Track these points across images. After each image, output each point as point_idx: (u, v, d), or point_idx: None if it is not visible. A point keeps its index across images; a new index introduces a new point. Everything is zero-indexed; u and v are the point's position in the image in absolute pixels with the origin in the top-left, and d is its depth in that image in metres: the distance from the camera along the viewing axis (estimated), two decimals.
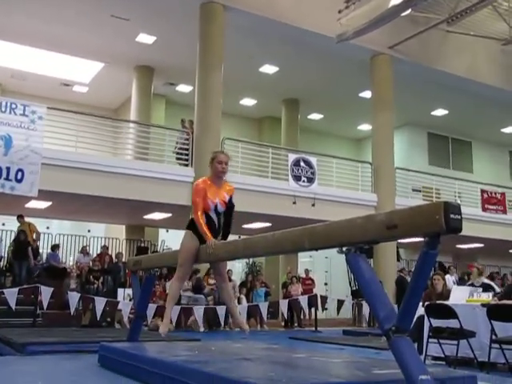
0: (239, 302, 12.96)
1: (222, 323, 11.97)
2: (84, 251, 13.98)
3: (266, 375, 3.07)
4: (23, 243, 12.61)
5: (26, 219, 13.26)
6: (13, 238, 13.53)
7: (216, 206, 4.54)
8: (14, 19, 13.45)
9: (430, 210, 2.62)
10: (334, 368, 3.58)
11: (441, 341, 6.32)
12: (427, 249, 2.69)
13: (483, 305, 6.24)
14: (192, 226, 4.57)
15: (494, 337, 5.83)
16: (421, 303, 7.07)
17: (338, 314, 13.87)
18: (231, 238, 4.69)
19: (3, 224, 15.64)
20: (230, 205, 4.66)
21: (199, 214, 4.47)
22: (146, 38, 14.52)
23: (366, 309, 13.92)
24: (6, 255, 13.64)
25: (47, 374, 4.54)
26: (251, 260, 18.30)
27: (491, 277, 14.56)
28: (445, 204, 2.56)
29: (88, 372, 4.60)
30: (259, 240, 3.80)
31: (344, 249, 3.08)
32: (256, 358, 3.86)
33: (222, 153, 4.83)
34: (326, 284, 19.35)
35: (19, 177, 10.65)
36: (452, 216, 2.55)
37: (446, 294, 7.26)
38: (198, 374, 3.17)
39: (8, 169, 10.54)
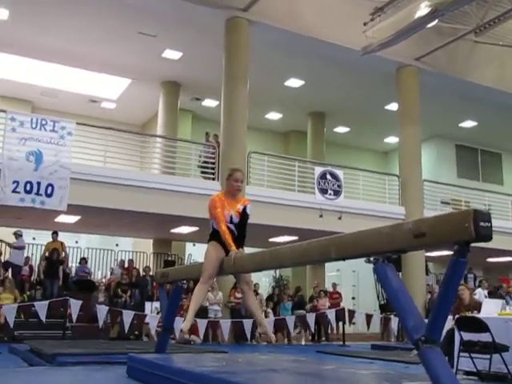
0: (266, 316, 12.91)
1: (249, 337, 11.93)
2: (120, 264, 14.14)
3: None
4: (56, 262, 12.72)
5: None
6: (42, 252, 13.68)
7: (231, 218, 4.61)
8: (43, 38, 13.76)
9: (459, 218, 2.57)
10: (362, 379, 3.52)
11: (472, 355, 6.17)
12: (457, 257, 2.64)
13: None
14: (214, 237, 4.61)
15: None
16: (450, 316, 6.96)
17: (368, 328, 13.69)
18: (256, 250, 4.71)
19: (34, 238, 15.90)
20: (245, 215, 4.69)
21: (223, 224, 4.51)
22: (172, 54, 14.71)
23: (394, 323, 13.75)
24: (36, 269, 13.81)
25: None
26: (278, 274, 18.25)
27: None
28: (474, 212, 2.51)
29: (117, 382, 4.63)
30: (286, 250, 3.79)
31: (371, 258, 3.05)
32: (283, 370, 3.83)
33: (239, 171, 4.85)
34: (353, 298, 19.17)
35: (49, 191, 10.84)
36: (482, 224, 2.50)
37: (473, 304, 7.13)
38: None
39: (38, 184, 10.74)
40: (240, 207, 4.70)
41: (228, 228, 4.57)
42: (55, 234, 13.24)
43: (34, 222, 13.56)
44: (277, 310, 13.62)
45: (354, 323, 14.32)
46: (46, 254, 12.98)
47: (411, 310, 2.83)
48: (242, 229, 4.67)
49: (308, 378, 3.55)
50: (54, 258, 12.63)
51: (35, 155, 10.90)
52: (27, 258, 13.56)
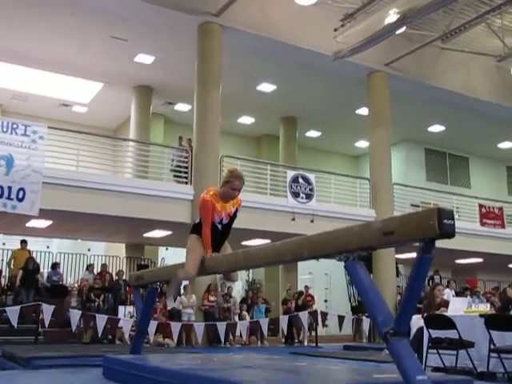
0: (243, 319, 13.01)
1: (223, 339, 12.00)
2: (90, 269, 14.04)
3: (267, 379, 3.15)
4: (32, 271, 12.49)
5: (27, 238, 13.32)
6: (8, 259, 13.51)
7: (221, 220, 4.55)
8: (13, 41, 13.66)
9: (424, 216, 2.71)
10: (335, 374, 3.66)
11: (440, 351, 6.38)
12: (422, 253, 2.78)
13: (481, 315, 6.31)
14: (196, 231, 4.57)
15: (492, 346, 5.89)
16: (420, 315, 7.16)
17: (340, 329, 13.87)
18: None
19: (3, 244, 15.72)
20: (233, 216, 4.67)
21: (208, 228, 4.44)
22: (144, 58, 14.72)
23: (365, 324, 13.97)
24: (7, 274, 13.65)
25: None
26: (251, 277, 18.35)
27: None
28: (438, 210, 2.65)
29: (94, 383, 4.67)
30: (259, 251, 3.89)
31: (342, 256, 3.17)
32: (258, 366, 3.94)
33: (240, 180, 4.53)
34: (325, 301, 19.36)
35: (20, 196, 10.75)
36: (445, 221, 2.64)
37: (444, 305, 7.34)
38: (202, 380, 3.24)
39: (10, 188, 10.64)
40: (232, 209, 4.60)
41: (215, 228, 4.53)
42: (24, 242, 13.09)
43: (5, 227, 13.41)
44: (250, 313, 13.69)
45: (326, 326, 14.49)
46: (12, 261, 12.72)
47: (380, 305, 2.96)
48: (228, 228, 4.66)
49: (282, 372, 3.66)
50: (30, 267, 12.42)
51: (6, 159, 10.81)
52: None
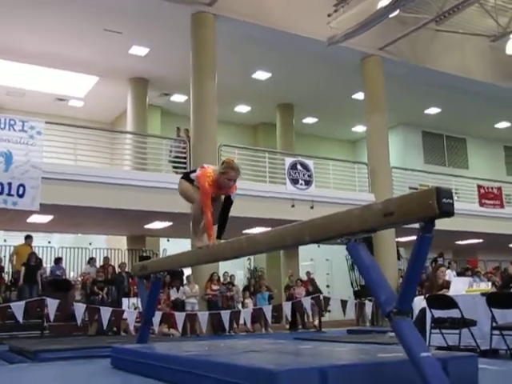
0: (246, 307, 13.08)
1: (227, 328, 12.09)
2: (92, 262, 14.07)
3: (274, 361, 3.21)
4: (34, 267, 12.42)
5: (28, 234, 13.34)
6: (10, 254, 13.53)
7: (216, 197, 4.73)
8: (7, 37, 13.60)
9: (423, 196, 2.77)
10: (340, 354, 3.72)
11: (443, 331, 6.45)
12: (423, 233, 2.84)
13: (483, 294, 6.38)
14: (187, 178, 4.86)
15: (494, 324, 5.97)
16: (422, 296, 7.23)
17: (344, 314, 13.95)
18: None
19: (5, 240, 15.76)
20: (228, 201, 4.76)
21: (209, 216, 4.52)
22: (139, 50, 14.69)
23: (368, 308, 14.05)
24: (10, 270, 13.69)
25: (62, 377, 4.66)
26: (252, 265, 18.42)
27: None
28: (437, 189, 2.71)
29: (102, 373, 4.73)
30: (261, 236, 3.95)
31: (344, 239, 3.23)
32: (264, 350, 4.00)
33: (235, 170, 4.62)
34: (327, 286, 19.43)
35: (21, 192, 10.78)
36: (444, 200, 2.69)
37: (446, 286, 7.40)
38: (210, 365, 3.30)
39: (10, 184, 10.66)
40: (227, 192, 4.73)
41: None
42: (29, 238, 13.06)
43: (6, 224, 13.45)
44: (254, 301, 13.75)
45: (329, 311, 14.57)
46: (14, 257, 12.71)
47: (383, 284, 3.02)
48: (224, 214, 4.75)
49: (288, 355, 3.72)
50: (32, 262, 12.38)
51: (5, 156, 10.81)
52: None
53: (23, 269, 12.33)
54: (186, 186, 4.88)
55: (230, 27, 13.30)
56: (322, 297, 13.67)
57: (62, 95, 17.26)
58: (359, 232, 3.17)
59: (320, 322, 13.61)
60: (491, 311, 5.98)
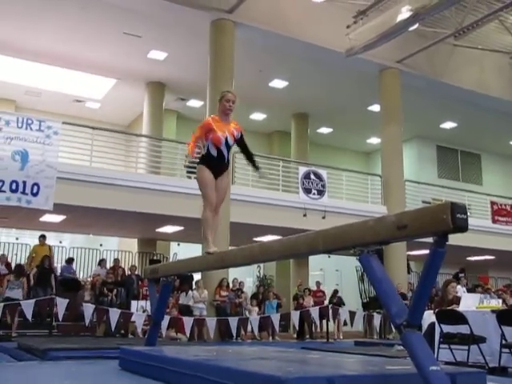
0: (250, 314, 13.07)
1: (234, 334, 12.09)
2: (102, 264, 14.11)
3: (282, 369, 3.22)
4: (48, 270, 12.29)
5: (40, 233, 13.37)
6: (29, 254, 13.53)
7: (226, 139, 4.81)
8: (27, 37, 13.78)
9: (437, 211, 2.77)
10: (348, 365, 3.72)
11: (452, 346, 6.42)
12: (435, 247, 2.84)
13: (493, 311, 6.34)
14: (205, 162, 4.80)
15: (503, 341, 5.93)
16: (432, 311, 7.19)
17: (352, 325, 13.90)
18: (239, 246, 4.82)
19: (17, 238, 15.89)
20: (243, 143, 4.99)
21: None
22: (157, 55, 14.82)
23: (376, 320, 13.99)
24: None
25: (71, 376, 4.69)
26: (262, 273, 18.42)
27: None
28: (451, 204, 2.71)
29: (111, 374, 4.76)
30: (274, 244, 3.96)
31: (357, 250, 3.23)
32: (272, 358, 4.01)
33: (230, 92, 5.00)
34: None
35: (35, 191, 10.88)
36: (458, 216, 2.70)
37: (456, 302, 7.35)
38: (218, 370, 3.32)
39: (24, 183, 10.78)
40: (235, 131, 4.88)
41: (219, 150, 4.77)
42: (43, 237, 13.06)
43: (20, 222, 13.58)
44: (262, 309, 13.74)
45: (346, 324, 14.46)
46: (32, 258, 12.79)
47: (394, 296, 3.03)
48: (246, 152, 5.02)
49: (296, 363, 3.73)
50: (46, 265, 12.25)
51: (21, 154, 10.94)
52: (3, 256, 12.99)
53: (35, 270, 12.29)
54: (201, 175, 4.82)
55: (249, 35, 13.37)
56: (330, 307, 13.62)
57: (80, 96, 17.43)
58: (372, 244, 3.17)
59: (327, 332, 13.55)
60: (501, 328, 5.94)
